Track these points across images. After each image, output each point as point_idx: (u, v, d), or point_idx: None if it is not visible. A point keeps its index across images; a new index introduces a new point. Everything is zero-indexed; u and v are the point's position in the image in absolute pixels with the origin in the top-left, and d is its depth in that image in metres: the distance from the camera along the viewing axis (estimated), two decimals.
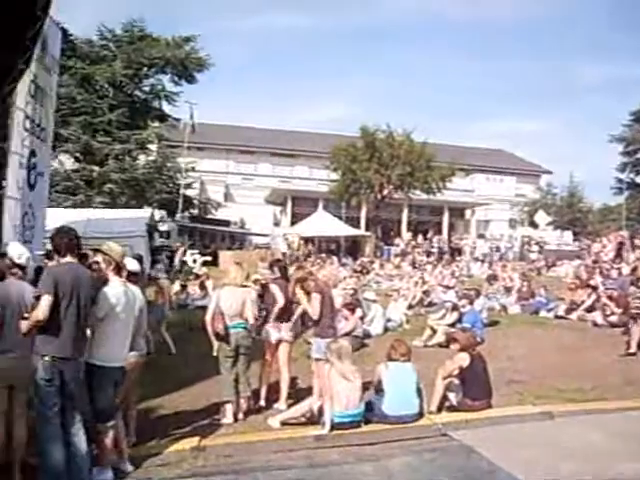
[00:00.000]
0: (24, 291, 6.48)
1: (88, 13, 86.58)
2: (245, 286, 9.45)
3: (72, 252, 6.20)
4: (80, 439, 6.19)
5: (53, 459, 5.99)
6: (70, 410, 6.14)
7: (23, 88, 16.72)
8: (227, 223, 50.55)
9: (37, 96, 18.55)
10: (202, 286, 20.92)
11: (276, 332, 9.66)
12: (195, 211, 51.15)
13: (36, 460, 6.25)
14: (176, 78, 45.76)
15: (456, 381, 9.03)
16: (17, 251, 7.02)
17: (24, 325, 5.94)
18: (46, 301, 5.80)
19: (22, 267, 6.92)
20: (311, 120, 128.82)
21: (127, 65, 43.06)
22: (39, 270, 8.79)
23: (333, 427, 7.94)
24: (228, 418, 8.72)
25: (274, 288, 9.83)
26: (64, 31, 22.47)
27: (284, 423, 8.48)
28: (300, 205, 54.11)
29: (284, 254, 33.47)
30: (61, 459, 6.00)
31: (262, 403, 9.52)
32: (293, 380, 10.18)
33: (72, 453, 6.11)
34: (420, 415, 8.50)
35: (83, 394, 6.26)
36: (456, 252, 40.94)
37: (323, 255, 36.66)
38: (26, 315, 5.95)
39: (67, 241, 6.21)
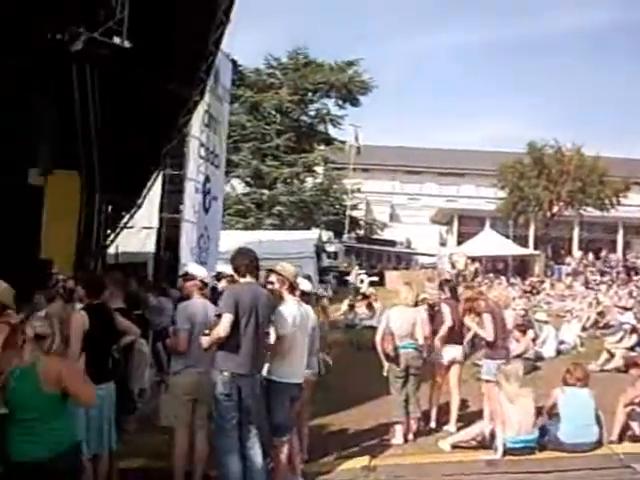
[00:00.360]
0: (207, 309, 6.80)
1: (255, 43, 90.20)
2: (415, 306, 9.41)
3: (251, 273, 6.39)
4: (256, 453, 6.33)
5: (230, 471, 6.16)
6: (247, 424, 6.30)
7: (198, 118, 17.80)
8: (393, 243, 50.62)
9: (211, 125, 19.67)
10: (369, 306, 21.04)
11: (448, 353, 9.53)
12: (361, 232, 51.66)
13: (215, 472, 6.51)
14: (340, 102, 46.79)
15: (638, 409, 8.51)
16: (204, 271, 7.41)
17: (205, 341, 6.19)
18: (227, 319, 6.01)
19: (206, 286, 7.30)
20: (476, 138, 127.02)
21: (293, 91, 44.53)
22: (212, 290, 9.25)
23: (505, 452, 7.68)
24: (398, 439, 8.67)
25: (444, 308, 9.69)
26: (234, 62, 23.68)
27: (455, 446, 8.29)
28: (467, 224, 53.30)
29: (451, 274, 33.05)
30: (238, 471, 6.16)
31: (432, 425, 9.40)
32: (463, 402, 9.95)
33: (248, 467, 6.26)
34: (599, 444, 8.02)
35: (260, 409, 6.44)
36: (632, 271, 38.77)
37: (491, 275, 35.92)
38: (207, 332, 6.20)
39: (247, 262, 6.41)
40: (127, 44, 11.86)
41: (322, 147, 47.11)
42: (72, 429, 4.87)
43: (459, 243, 48.45)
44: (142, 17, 11.96)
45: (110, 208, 15.18)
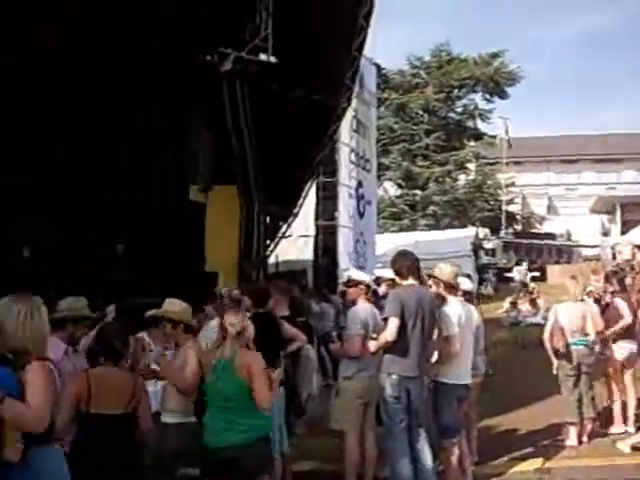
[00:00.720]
0: (375, 313, 6.87)
1: (395, 44, 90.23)
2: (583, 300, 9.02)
3: (414, 274, 6.40)
4: (426, 455, 6.32)
5: (402, 474, 6.17)
6: (415, 427, 6.31)
7: (346, 124, 18.04)
8: (553, 236, 48.96)
9: (359, 130, 19.89)
10: (533, 302, 20.45)
11: (622, 349, 9.05)
12: (518, 226, 50.51)
13: (385, 474, 6.55)
14: (488, 95, 45.96)
15: None
16: (367, 276, 7.52)
17: (372, 345, 6.31)
18: (393, 323, 6.05)
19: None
20: (634, 120, 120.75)
21: (439, 89, 44.24)
22: (373, 294, 9.32)
23: None
24: (572, 440, 8.30)
25: (620, 304, 9.21)
26: (377, 66, 23.83)
27: (635, 448, 7.85)
28: (631, 211, 50.43)
29: (618, 265, 31.49)
30: (409, 474, 6.17)
31: (612, 428, 8.95)
32: None
33: (419, 469, 6.26)
34: None
35: (428, 411, 6.45)
36: None
37: None
38: (374, 336, 6.32)
39: (409, 264, 6.43)
40: (273, 60, 12.21)
41: (472, 143, 46.43)
42: (264, 420, 5.14)
43: (623, 232, 46.11)
44: (285, 31, 12.27)
45: (268, 219, 15.61)
